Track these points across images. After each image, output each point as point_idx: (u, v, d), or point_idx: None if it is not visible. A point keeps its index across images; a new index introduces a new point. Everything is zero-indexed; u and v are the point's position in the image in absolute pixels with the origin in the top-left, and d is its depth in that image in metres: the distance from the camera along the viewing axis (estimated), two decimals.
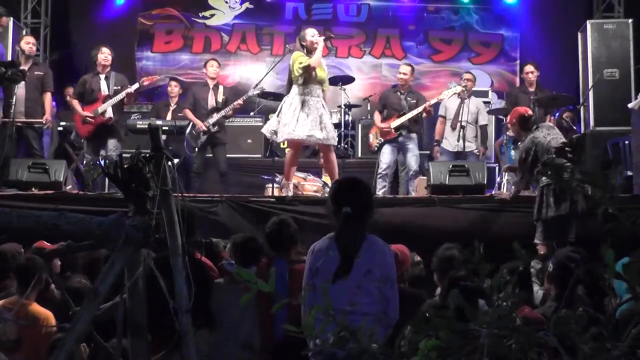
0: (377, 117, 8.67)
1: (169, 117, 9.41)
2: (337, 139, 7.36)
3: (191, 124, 8.61)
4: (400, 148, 8.50)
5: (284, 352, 3.84)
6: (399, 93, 8.65)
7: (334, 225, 3.54)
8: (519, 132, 6.68)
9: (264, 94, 9.40)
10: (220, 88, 8.86)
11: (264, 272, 4.11)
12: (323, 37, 7.22)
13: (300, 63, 6.91)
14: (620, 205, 1.50)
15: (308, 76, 6.94)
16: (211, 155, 8.72)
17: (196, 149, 8.58)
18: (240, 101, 8.58)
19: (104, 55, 8.31)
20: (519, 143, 6.98)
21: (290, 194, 7.27)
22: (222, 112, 8.56)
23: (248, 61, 11.84)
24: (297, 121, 6.90)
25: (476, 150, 8.97)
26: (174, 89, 9.73)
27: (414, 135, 8.53)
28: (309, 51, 7.05)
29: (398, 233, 6.02)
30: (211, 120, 8.52)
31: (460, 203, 7.11)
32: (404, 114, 8.41)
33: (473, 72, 11.42)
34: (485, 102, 9.84)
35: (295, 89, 7.04)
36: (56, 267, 5.06)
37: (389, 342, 1.42)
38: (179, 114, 9.10)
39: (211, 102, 8.71)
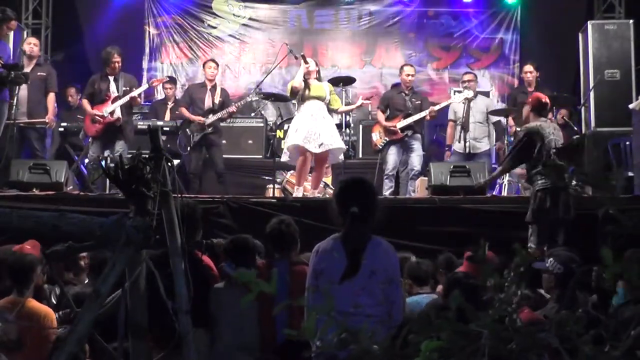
0: (380, 116, 8.72)
1: (167, 116, 9.43)
2: (336, 142, 7.44)
3: (184, 123, 8.63)
4: (405, 148, 8.55)
5: (285, 352, 3.84)
6: (403, 94, 8.69)
7: (333, 227, 3.53)
8: (529, 114, 6.63)
9: (265, 95, 9.41)
10: (218, 89, 8.88)
11: (265, 273, 4.11)
12: (302, 60, 7.55)
13: (290, 84, 7.58)
14: (622, 206, 1.50)
15: (302, 96, 7.45)
16: (207, 156, 8.73)
17: (189, 148, 8.59)
18: (233, 108, 8.69)
19: (117, 60, 8.29)
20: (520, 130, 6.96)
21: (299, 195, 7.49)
22: (219, 115, 8.58)
23: (253, 72, 11.79)
24: (296, 131, 7.38)
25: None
26: (169, 91, 9.77)
27: (418, 135, 8.64)
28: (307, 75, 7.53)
29: (399, 234, 6.03)
30: (207, 121, 8.54)
31: (461, 204, 7.11)
32: (409, 114, 8.45)
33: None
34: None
35: (298, 105, 7.60)
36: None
37: (390, 344, 1.41)
38: (176, 112, 9.14)
39: (208, 103, 8.73)
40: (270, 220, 4.56)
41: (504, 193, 8.91)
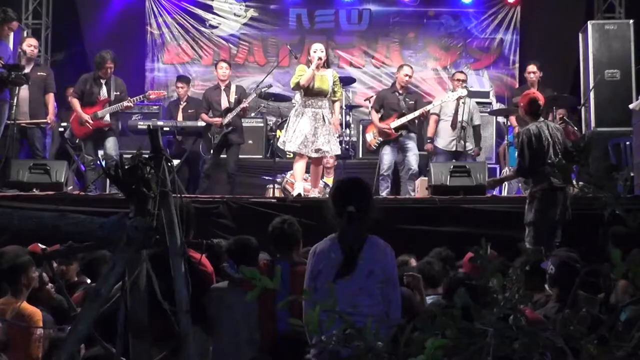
0: (374, 116, 8.66)
1: (179, 116, 9.42)
2: (332, 149, 7.48)
3: (205, 126, 8.63)
4: (400, 148, 8.51)
5: (284, 351, 3.83)
6: (397, 93, 8.64)
7: (333, 227, 3.52)
8: (524, 115, 6.57)
9: (265, 95, 9.42)
10: (232, 88, 8.89)
11: (265, 272, 4.10)
12: (317, 54, 7.38)
13: (296, 78, 7.35)
14: (623, 206, 1.50)
15: (305, 89, 7.32)
16: (225, 156, 8.75)
17: (211, 151, 8.60)
18: (244, 105, 8.65)
19: (110, 66, 8.26)
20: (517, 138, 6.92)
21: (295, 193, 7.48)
22: (234, 112, 8.59)
23: (256, 73, 11.77)
24: (294, 132, 7.30)
25: (471, 151, 8.97)
26: (181, 90, 9.74)
27: (413, 134, 8.56)
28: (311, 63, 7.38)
29: (399, 234, 6.03)
30: (224, 121, 8.55)
31: (461, 204, 7.11)
32: (403, 114, 8.40)
33: (472, 77, 11.40)
34: (486, 103, 9.85)
35: (298, 99, 7.47)
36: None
37: (393, 341, 1.41)
38: (189, 111, 9.15)
39: (224, 103, 8.73)
40: (271, 220, 4.55)
41: (504, 193, 8.91)
